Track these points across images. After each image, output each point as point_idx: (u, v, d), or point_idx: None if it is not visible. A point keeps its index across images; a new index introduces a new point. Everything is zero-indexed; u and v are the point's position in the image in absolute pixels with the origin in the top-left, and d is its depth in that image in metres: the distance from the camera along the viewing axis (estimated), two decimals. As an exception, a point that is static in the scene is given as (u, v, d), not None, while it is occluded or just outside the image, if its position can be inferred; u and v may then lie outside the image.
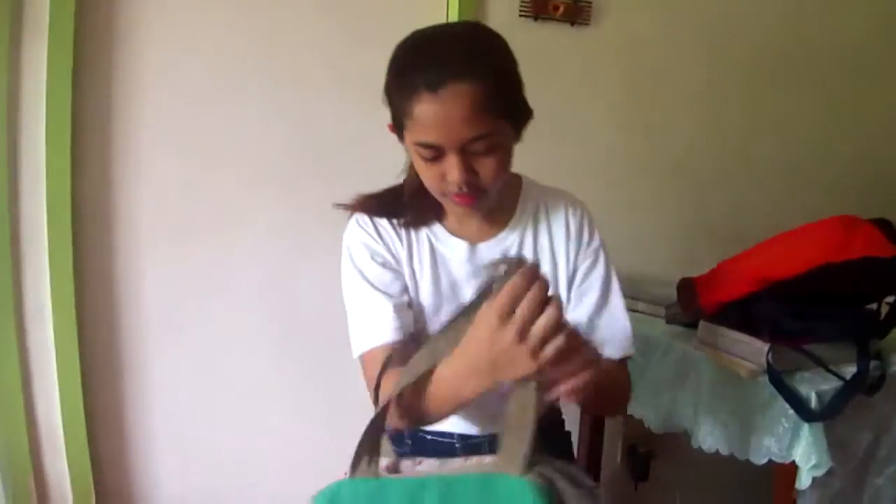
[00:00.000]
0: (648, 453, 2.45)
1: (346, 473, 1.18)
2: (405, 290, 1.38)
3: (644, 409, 1.93)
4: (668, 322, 1.98)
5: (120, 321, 1.96)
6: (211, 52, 1.94)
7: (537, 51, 2.13)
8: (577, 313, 1.40)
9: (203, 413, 2.06)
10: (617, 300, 1.44)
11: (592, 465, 2.25)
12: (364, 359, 1.33)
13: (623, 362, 1.42)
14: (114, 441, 2.01)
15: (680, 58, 2.39)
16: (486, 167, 1.23)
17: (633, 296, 2.09)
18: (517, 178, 1.46)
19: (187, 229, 1.98)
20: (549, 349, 0.99)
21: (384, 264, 1.37)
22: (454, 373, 1.11)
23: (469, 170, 1.21)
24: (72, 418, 1.91)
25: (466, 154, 1.20)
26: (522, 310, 0.99)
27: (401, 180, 1.41)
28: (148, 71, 1.89)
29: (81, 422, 1.92)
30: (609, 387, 1.34)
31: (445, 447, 1.44)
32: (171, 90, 1.92)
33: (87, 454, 1.93)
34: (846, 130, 2.62)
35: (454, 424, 1.43)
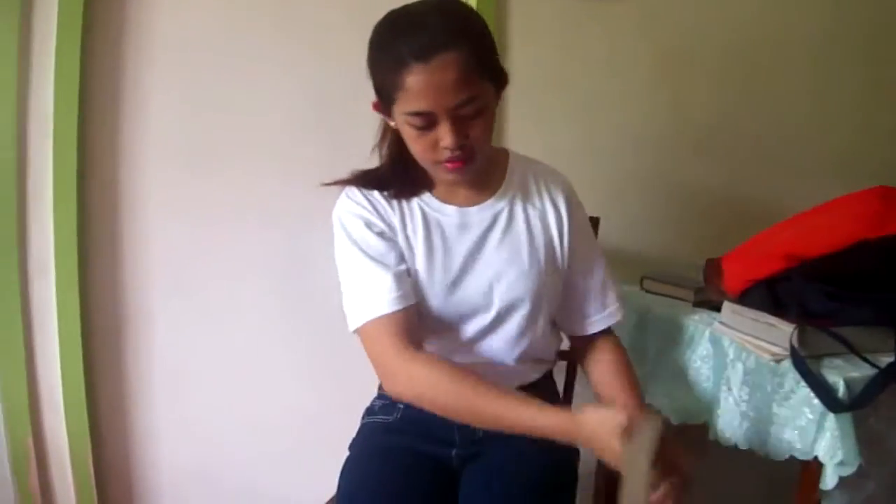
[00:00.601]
0: (675, 449, 2.29)
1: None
2: (402, 258, 1.42)
3: (661, 398, 1.78)
4: (694, 306, 1.83)
5: (123, 282, 1.97)
6: (225, 23, 1.94)
7: (561, 25, 2.05)
8: (582, 281, 1.54)
9: (204, 374, 2.06)
10: (609, 271, 1.58)
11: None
12: (364, 331, 1.37)
13: (612, 334, 1.59)
14: (113, 402, 2.02)
15: (707, 31, 2.25)
16: (476, 129, 1.31)
17: (662, 279, 1.96)
18: (504, 151, 1.56)
19: (193, 190, 1.98)
20: None
21: (380, 234, 1.42)
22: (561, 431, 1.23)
23: (461, 133, 1.29)
24: (71, 379, 1.94)
25: (457, 119, 1.28)
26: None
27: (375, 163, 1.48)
28: (159, 36, 1.90)
29: (80, 382, 1.94)
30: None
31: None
32: (182, 58, 1.92)
33: (86, 415, 1.96)
34: (886, 103, 2.43)
35: None
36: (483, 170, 1.44)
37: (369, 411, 1.59)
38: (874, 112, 2.40)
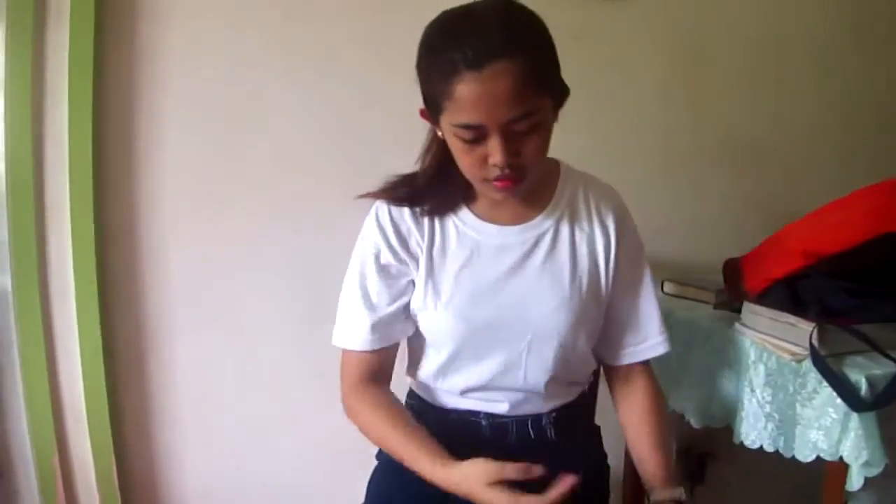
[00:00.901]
0: (704, 454, 2.28)
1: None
2: (402, 294, 1.38)
3: (684, 402, 1.76)
4: (715, 307, 1.80)
5: (144, 301, 1.97)
6: (238, 23, 1.92)
7: (571, 28, 1.99)
8: (622, 307, 1.42)
9: (227, 390, 2.05)
10: (656, 295, 1.45)
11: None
12: (342, 352, 1.41)
13: (652, 369, 1.48)
14: (137, 421, 2.02)
15: (722, 33, 2.22)
16: (529, 147, 1.20)
17: (683, 281, 1.94)
18: (555, 163, 1.43)
19: (212, 209, 1.97)
20: None
21: (384, 268, 1.37)
22: (430, 473, 1.25)
23: (512, 151, 1.18)
24: (94, 398, 1.93)
25: (509, 134, 1.17)
26: None
27: (417, 168, 1.38)
28: (173, 44, 1.89)
29: (104, 401, 1.93)
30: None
31: (472, 425, 1.43)
32: (196, 64, 1.91)
33: (110, 434, 1.95)
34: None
35: (481, 402, 1.42)
36: (532, 186, 1.32)
37: None
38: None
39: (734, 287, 1.73)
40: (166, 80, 1.89)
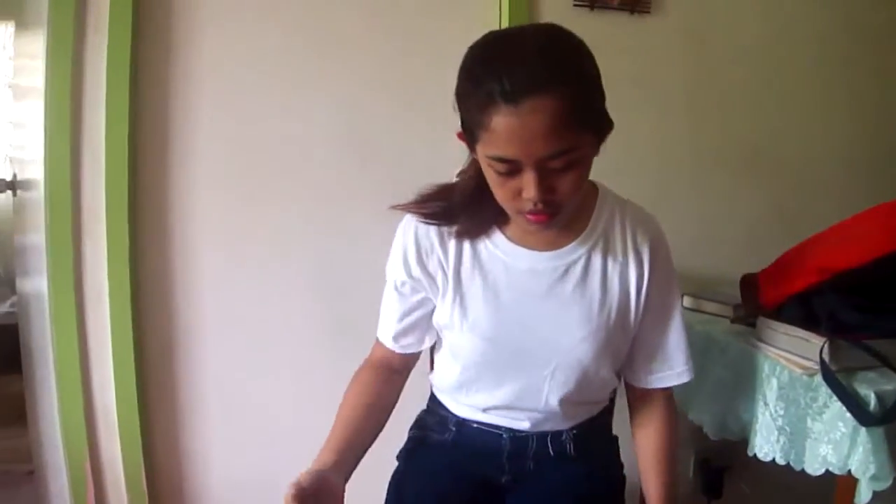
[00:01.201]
0: (722, 468, 2.28)
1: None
2: (415, 309, 1.40)
3: (701, 414, 1.78)
4: (732, 322, 1.83)
5: (175, 305, 2.01)
6: (270, 22, 1.97)
7: (594, 42, 2.00)
8: (647, 335, 1.40)
9: (255, 394, 2.08)
10: (683, 326, 1.42)
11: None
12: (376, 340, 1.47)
13: (672, 393, 1.47)
14: (166, 423, 2.05)
15: (746, 45, 2.24)
16: (565, 183, 1.15)
17: (702, 295, 1.97)
18: (593, 187, 1.38)
19: (243, 212, 2.01)
20: None
21: (399, 288, 1.39)
22: None
23: (547, 187, 1.14)
24: (125, 402, 1.97)
25: (544, 170, 1.12)
26: None
27: (455, 178, 1.35)
28: (207, 45, 1.94)
29: (134, 408, 1.97)
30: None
31: (493, 437, 1.44)
32: (229, 64, 1.96)
33: (139, 436, 1.98)
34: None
35: (503, 419, 1.43)
36: (568, 217, 1.27)
37: (419, 424, 1.56)
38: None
39: (750, 302, 1.75)
40: (200, 82, 1.94)
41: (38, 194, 1.95)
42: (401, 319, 1.41)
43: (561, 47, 1.12)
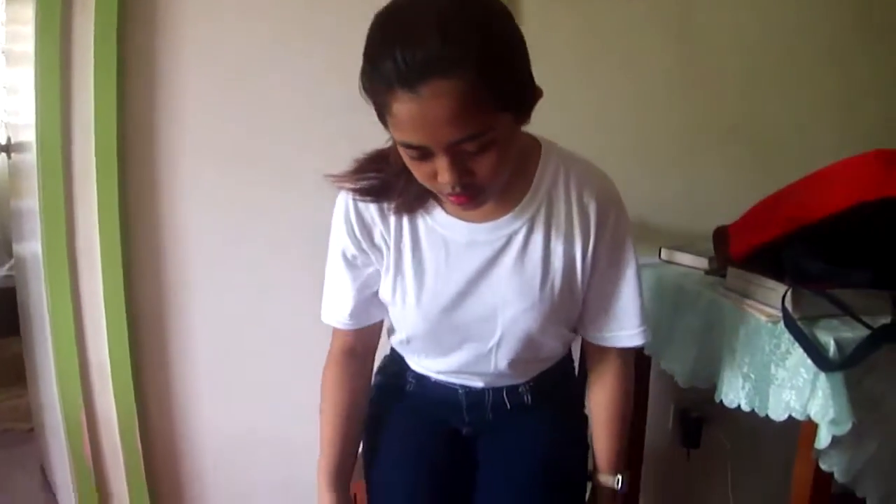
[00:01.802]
0: (700, 418, 2.32)
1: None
2: (373, 283, 1.37)
3: (672, 363, 1.81)
4: (706, 274, 1.86)
5: (165, 264, 2.06)
6: (251, 25, 1.98)
7: (580, 13, 2.05)
8: (596, 297, 1.36)
9: (244, 344, 2.14)
10: (638, 289, 1.37)
11: (636, 430, 2.14)
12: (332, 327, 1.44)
13: (632, 352, 1.44)
14: (158, 378, 2.11)
15: (736, 12, 2.23)
16: (483, 166, 1.07)
17: (678, 249, 1.99)
18: (535, 146, 1.29)
19: (233, 173, 2.04)
20: None
21: (351, 262, 1.36)
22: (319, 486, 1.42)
23: (463, 170, 1.07)
24: (118, 358, 2.04)
25: (457, 154, 1.05)
26: None
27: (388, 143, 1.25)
28: (189, 24, 1.95)
29: (127, 361, 2.04)
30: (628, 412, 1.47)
31: (450, 392, 1.46)
32: (217, 33, 1.98)
33: (132, 391, 2.05)
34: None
35: (457, 379, 1.45)
36: (500, 190, 1.20)
37: (384, 371, 1.57)
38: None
39: (721, 253, 1.77)
40: (187, 50, 1.96)
41: (31, 157, 1.99)
42: (359, 292, 1.37)
43: (467, 16, 0.99)
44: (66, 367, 2.02)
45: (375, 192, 1.27)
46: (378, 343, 1.49)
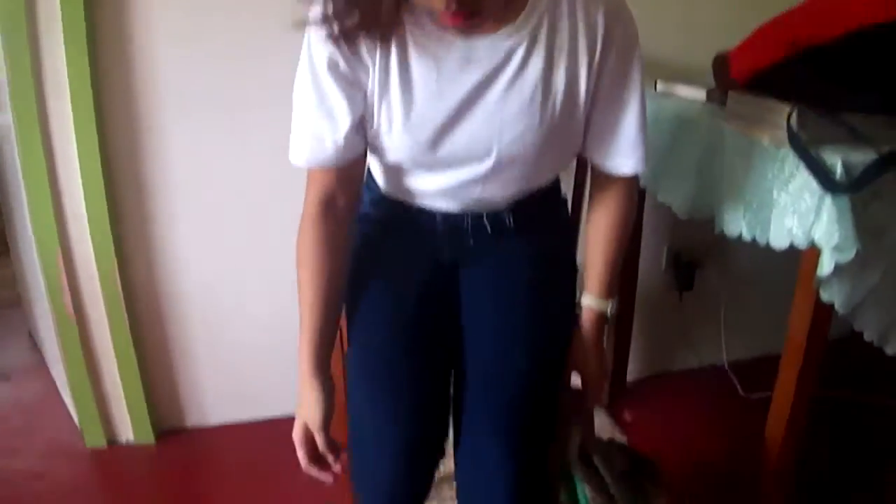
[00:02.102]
0: (693, 262, 2.31)
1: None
2: (360, 105, 1.20)
3: (670, 194, 1.76)
4: (706, 102, 1.79)
5: (137, 99, 1.96)
6: None
7: None
8: (599, 119, 1.27)
9: (222, 187, 2.08)
10: (642, 112, 1.28)
11: (629, 271, 2.13)
12: (308, 172, 1.28)
13: (634, 178, 1.36)
14: (136, 221, 2.07)
15: None
16: None
17: (675, 80, 1.91)
18: None
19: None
20: None
21: (342, 76, 1.18)
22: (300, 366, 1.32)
23: None
24: (94, 201, 1.98)
25: None
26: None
27: None
28: None
29: (103, 204, 1.98)
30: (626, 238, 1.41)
31: (427, 218, 1.39)
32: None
33: (110, 235, 2.01)
34: None
35: (434, 201, 1.36)
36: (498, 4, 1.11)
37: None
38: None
39: (722, 80, 1.70)
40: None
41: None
42: (353, 112, 1.20)
43: None
44: (40, 213, 1.96)
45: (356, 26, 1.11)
46: (359, 195, 1.37)
